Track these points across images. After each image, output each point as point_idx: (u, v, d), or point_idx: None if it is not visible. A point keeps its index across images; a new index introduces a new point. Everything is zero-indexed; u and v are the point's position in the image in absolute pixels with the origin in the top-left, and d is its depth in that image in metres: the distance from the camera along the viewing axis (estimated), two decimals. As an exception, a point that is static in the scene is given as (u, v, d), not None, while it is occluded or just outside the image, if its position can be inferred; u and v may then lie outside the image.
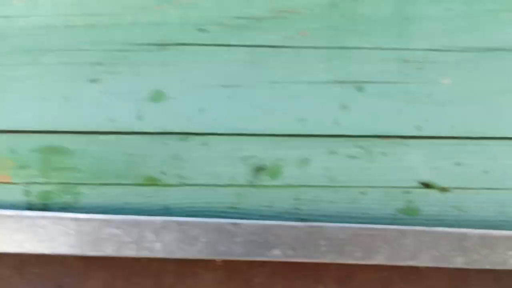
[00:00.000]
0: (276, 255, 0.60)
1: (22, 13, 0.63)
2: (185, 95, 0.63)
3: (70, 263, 0.67)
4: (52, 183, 0.63)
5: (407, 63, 0.63)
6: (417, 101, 0.63)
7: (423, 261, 0.59)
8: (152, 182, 0.63)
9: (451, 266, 0.60)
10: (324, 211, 0.63)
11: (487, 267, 0.60)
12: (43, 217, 0.60)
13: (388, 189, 0.63)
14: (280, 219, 0.62)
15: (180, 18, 0.63)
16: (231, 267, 0.66)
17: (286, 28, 0.63)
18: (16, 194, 0.63)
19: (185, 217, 0.60)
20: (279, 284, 0.66)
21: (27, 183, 0.63)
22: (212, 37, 0.63)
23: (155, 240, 0.60)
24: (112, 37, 0.63)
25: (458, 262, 0.60)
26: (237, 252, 0.60)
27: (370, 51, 0.63)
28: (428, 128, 0.63)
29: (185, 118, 0.63)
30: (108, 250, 0.60)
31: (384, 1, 0.63)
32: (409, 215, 0.63)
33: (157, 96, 0.63)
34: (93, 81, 0.63)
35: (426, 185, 0.63)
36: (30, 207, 0.63)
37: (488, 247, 0.59)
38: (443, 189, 0.63)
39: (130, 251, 0.60)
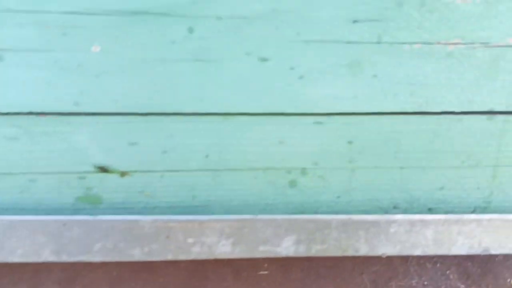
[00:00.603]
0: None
1: None
2: None
3: None
4: None
5: (49, 29, 0.48)
6: (68, 72, 0.49)
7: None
8: None
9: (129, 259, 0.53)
10: None
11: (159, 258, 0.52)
12: None
13: (61, 175, 0.54)
14: None
15: None
16: None
17: None
18: None
19: None
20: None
21: None
22: None
23: None
24: None
25: (136, 254, 0.53)
26: None
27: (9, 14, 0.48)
28: (87, 103, 0.50)
29: None
30: None
31: None
32: (92, 204, 0.55)
33: None
34: None
35: (103, 169, 0.53)
36: None
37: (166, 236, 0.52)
38: (123, 173, 0.53)
39: None
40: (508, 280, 0.70)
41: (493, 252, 0.58)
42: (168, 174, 0.53)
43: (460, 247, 0.57)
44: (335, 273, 0.70)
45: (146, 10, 0.47)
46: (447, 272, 0.72)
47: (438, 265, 0.72)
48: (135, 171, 0.53)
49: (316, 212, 0.57)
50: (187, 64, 0.49)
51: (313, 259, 0.68)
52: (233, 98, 0.51)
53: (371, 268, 0.71)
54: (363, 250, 0.56)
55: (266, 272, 0.67)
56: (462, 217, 0.56)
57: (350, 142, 0.55)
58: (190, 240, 0.52)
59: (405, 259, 0.70)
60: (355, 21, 0.50)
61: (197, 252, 0.53)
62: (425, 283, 0.73)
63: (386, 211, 0.58)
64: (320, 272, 0.69)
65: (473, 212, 0.59)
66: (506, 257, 0.71)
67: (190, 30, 0.48)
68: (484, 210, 0.59)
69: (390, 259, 0.70)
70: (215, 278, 0.66)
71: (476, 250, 0.58)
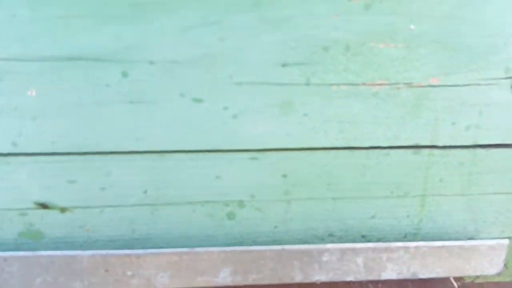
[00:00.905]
0: None
1: None
2: None
3: None
4: None
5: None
6: (5, 115, 0.51)
7: None
8: None
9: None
10: None
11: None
12: None
13: (2, 211, 0.55)
14: None
15: None
16: None
17: None
18: None
19: None
20: None
21: None
22: None
23: None
24: None
25: (77, 287, 0.55)
26: None
27: None
28: (25, 144, 0.52)
29: None
30: None
31: None
32: (33, 239, 0.56)
33: None
34: None
35: (44, 206, 0.55)
36: None
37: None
38: (63, 209, 0.55)
39: None
40: (445, 297, 0.74)
41: (421, 276, 0.61)
42: (107, 210, 0.55)
43: (390, 273, 0.60)
44: (280, 296, 0.72)
45: (80, 56, 0.49)
46: (388, 292, 0.76)
47: (379, 285, 0.76)
48: (75, 207, 0.55)
49: (255, 241, 0.60)
50: (122, 105, 0.51)
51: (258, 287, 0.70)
52: (169, 136, 0.53)
53: (315, 290, 0.74)
54: (298, 277, 0.58)
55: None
56: (391, 245, 0.59)
57: (284, 176, 0.57)
58: (129, 273, 0.54)
59: (347, 282, 0.73)
60: (284, 65, 0.53)
61: (136, 285, 0.54)
62: (369, 303, 0.76)
63: (322, 239, 0.61)
64: (265, 295, 0.72)
65: (404, 237, 0.63)
66: (446, 279, 0.75)
67: (124, 74, 0.50)
68: (414, 236, 0.63)
69: (334, 282, 0.73)
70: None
71: (405, 275, 0.61)
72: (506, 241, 0.61)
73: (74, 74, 0.49)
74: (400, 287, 0.75)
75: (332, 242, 0.61)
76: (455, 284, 0.73)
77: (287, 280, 0.58)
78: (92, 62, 0.49)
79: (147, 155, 0.53)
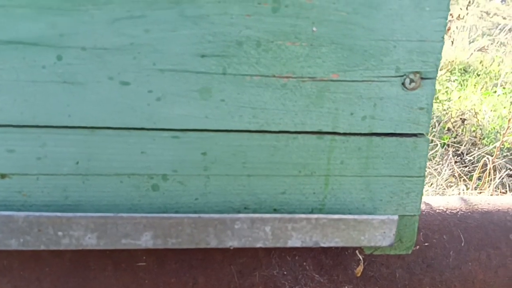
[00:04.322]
0: None
1: None
2: None
3: None
4: None
5: None
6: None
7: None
8: None
9: None
10: None
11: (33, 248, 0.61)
12: None
13: None
14: None
15: None
16: None
17: None
18: None
19: None
20: None
21: None
22: None
23: None
24: None
25: (13, 244, 0.62)
26: None
27: None
28: None
29: None
30: None
31: None
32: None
33: None
34: None
35: (-15, 172, 0.62)
36: None
37: None
38: (3, 175, 0.62)
39: None
40: (355, 269, 0.84)
41: (322, 245, 0.70)
42: (42, 177, 0.62)
43: (295, 241, 0.69)
44: (206, 264, 0.81)
45: (20, 40, 0.56)
46: (304, 263, 0.85)
47: (296, 257, 0.85)
48: (14, 174, 0.61)
49: (177, 211, 0.68)
50: (56, 85, 0.58)
51: (186, 252, 0.78)
52: (99, 114, 0.61)
53: (239, 260, 0.82)
54: (213, 243, 0.67)
55: (144, 264, 0.77)
56: (295, 216, 0.68)
57: (204, 154, 0.65)
58: (59, 233, 0.61)
59: (268, 252, 0.82)
60: (203, 56, 0.61)
61: (66, 244, 0.62)
62: (285, 273, 0.86)
63: (238, 211, 0.70)
64: (192, 263, 0.80)
65: (311, 212, 0.72)
66: (354, 252, 0.85)
67: (59, 57, 0.57)
68: (320, 211, 0.72)
69: (256, 252, 0.82)
70: (97, 268, 0.75)
71: (308, 243, 0.70)
72: (396, 217, 0.71)
73: (13, 56, 0.56)
74: (315, 259, 0.84)
75: (247, 214, 0.70)
76: (360, 257, 0.83)
77: (203, 245, 0.66)
78: (30, 46, 0.56)
79: (79, 130, 0.61)
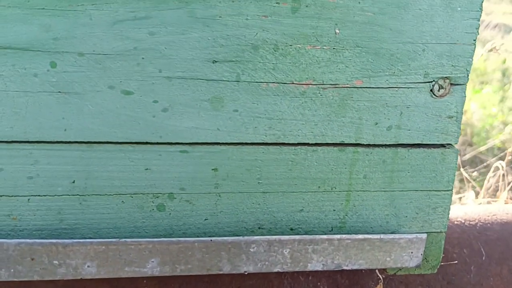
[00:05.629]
0: None
1: None
2: None
3: None
4: None
5: None
6: None
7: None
8: None
9: None
10: None
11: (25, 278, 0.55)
12: None
13: None
14: None
15: None
16: None
17: None
18: None
19: None
20: None
21: None
22: None
23: None
24: None
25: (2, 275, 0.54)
26: None
27: None
28: None
29: None
30: None
31: None
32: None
33: None
34: None
35: (-31, 193, 0.55)
36: None
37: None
38: (-10, 197, 0.55)
39: None
40: (373, 289, 0.78)
41: (344, 267, 0.64)
42: (34, 199, 0.55)
43: (316, 264, 0.63)
44: (212, 287, 0.74)
45: (8, 45, 0.49)
46: (318, 283, 0.79)
47: (310, 277, 0.79)
48: (1, 195, 0.54)
49: (185, 233, 0.61)
50: (49, 96, 0.52)
51: (191, 275, 0.72)
52: (98, 127, 0.54)
53: (248, 281, 0.76)
54: (226, 268, 0.60)
55: (146, 288, 0.70)
56: (315, 237, 0.62)
57: (215, 169, 0.59)
58: (55, 262, 0.54)
59: (280, 273, 0.76)
60: (214, 61, 0.55)
61: (63, 274, 0.55)
62: (299, 294, 0.79)
63: (252, 232, 0.63)
64: (198, 286, 0.74)
65: (331, 231, 0.66)
66: (371, 270, 0.79)
67: (53, 64, 0.50)
68: (340, 229, 0.66)
69: (266, 273, 0.76)
70: (94, 294, 0.68)
71: (329, 266, 0.64)
72: (424, 235, 0.66)
73: (1, 63, 0.49)
74: (329, 279, 0.78)
75: (262, 234, 0.63)
76: (380, 276, 0.77)
77: (215, 271, 0.60)
78: (20, 51, 0.50)
79: (75, 146, 0.54)
